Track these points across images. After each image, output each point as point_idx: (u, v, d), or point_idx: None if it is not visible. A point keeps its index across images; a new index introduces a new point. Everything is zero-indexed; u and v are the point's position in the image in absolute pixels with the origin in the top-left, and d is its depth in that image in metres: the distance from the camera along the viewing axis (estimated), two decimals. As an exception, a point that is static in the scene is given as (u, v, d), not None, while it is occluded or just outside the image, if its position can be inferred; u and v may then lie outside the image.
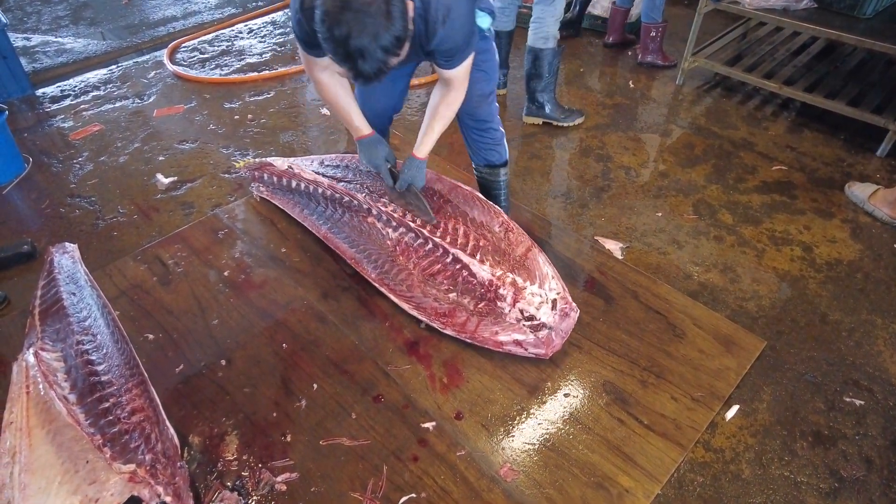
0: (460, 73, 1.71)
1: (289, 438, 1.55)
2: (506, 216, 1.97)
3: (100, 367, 1.60)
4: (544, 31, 2.70)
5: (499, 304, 1.77)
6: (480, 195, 2.05)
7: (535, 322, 1.71)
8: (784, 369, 1.80)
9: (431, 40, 1.55)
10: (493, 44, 1.88)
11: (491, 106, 1.97)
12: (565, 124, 2.96)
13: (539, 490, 1.45)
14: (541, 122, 2.98)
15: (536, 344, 1.69)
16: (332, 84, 1.78)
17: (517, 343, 1.70)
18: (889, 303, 2.03)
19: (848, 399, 1.72)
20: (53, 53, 3.80)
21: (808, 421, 1.66)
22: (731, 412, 1.67)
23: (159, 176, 2.65)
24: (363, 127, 1.87)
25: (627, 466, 1.49)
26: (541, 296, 1.75)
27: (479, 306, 1.79)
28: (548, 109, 2.94)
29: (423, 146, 1.87)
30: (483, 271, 1.82)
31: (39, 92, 3.36)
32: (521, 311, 1.73)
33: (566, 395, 1.66)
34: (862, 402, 1.71)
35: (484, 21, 1.74)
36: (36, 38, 4.01)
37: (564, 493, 1.44)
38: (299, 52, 1.75)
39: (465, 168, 2.64)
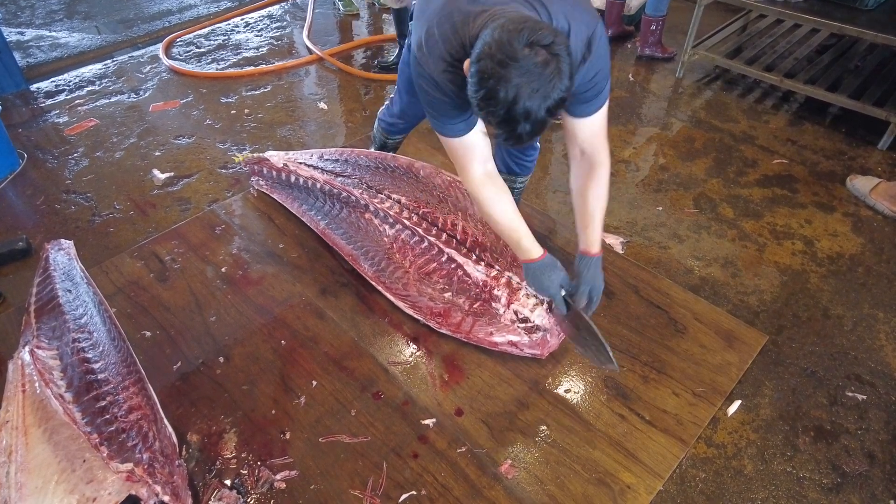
0: (601, 125, 1.46)
1: (288, 436, 1.54)
2: None
3: (96, 365, 1.58)
4: None
5: (493, 304, 1.76)
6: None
7: (530, 324, 1.70)
8: (786, 364, 1.79)
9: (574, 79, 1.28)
10: None
11: None
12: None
13: (540, 486, 1.44)
14: None
15: (531, 345, 1.68)
16: (501, 198, 1.52)
17: (512, 344, 1.69)
18: (891, 297, 2.02)
19: (850, 394, 1.71)
20: (48, 48, 3.77)
21: (810, 416, 1.65)
22: (733, 407, 1.66)
23: (156, 171, 2.63)
24: (533, 248, 1.55)
25: (629, 462, 1.48)
26: (535, 297, 1.73)
27: (474, 306, 1.77)
28: None
29: (596, 239, 1.57)
30: (477, 272, 1.80)
31: (34, 87, 3.32)
32: (516, 313, 1.72)
33: (567, 391, 1.65)
34: (864, 397, 1.70)
35: None
36: (30, 33, 3.97)
37: (566, 490, 1.43)
38: (445, 144, 1.46)
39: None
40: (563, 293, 1.59)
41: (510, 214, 1.53)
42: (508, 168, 2.01)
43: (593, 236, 1.57)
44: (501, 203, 1.52)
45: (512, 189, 2.06)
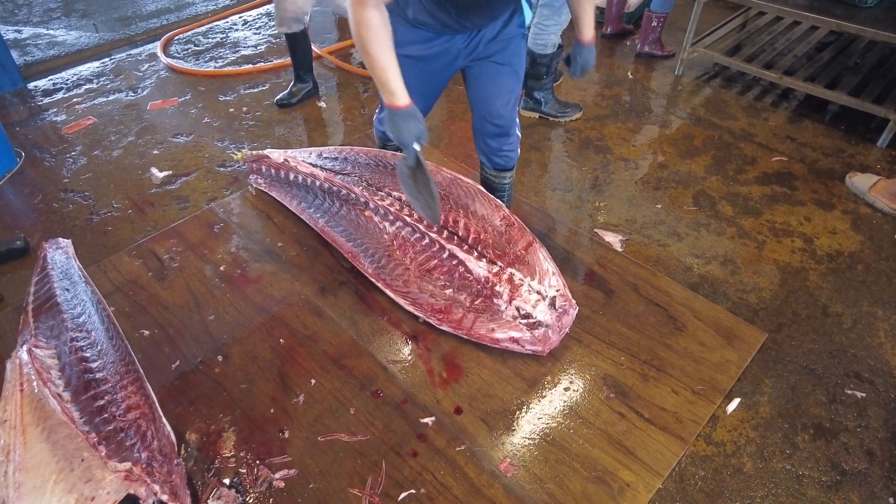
0: None
1: (287, 435, 1.54)
2: (507, 210, 1.95)
3: (94, 364, 1.58)
4: (545, 38, 2.67)
5: (495, 301, 1.75)
6: (482, 188, 2.03)
7: (532, 320, 1.70)
8: (785, 362, 1.79)
9: None
10: (525, 42, 1.82)
11: (515, 110, 1.88)
12: (563, 119, 2.94)
13: (539, 485, 1.43)
14: (537, 117, 2.97)
15: (533, 342, 1.68)
16: (382, 30, 1.48)
17: (514, 340, 1.68)
18: (890, 294, 2.02)
19: (849, 391, 1.71)
20: (45, 46, 3.76)
21: (810, 413, 1.65)
22: (733, 405, 1.66)
23: (154, 170, 2.62)
24: (400, 93, 1.56)
25: (628, 460, 1.48)
26: (538, 293, 1.73)
27: (476, 303, 1.77)
28: (545, 106, 2.93)
29: (589, 30, 1.74)
30: (479, 268, 1.80)
31: (31, 85, 3.32)
32: (518, 309, 1.72)
33: (566, 389, 1.65)
34: (863, 395, 1.70)
35: (527, 14, 1.69)
36: (27, 31, 3.96)
37: (565, 488, 1.43)
38: None
39: (464, 160, 2.62)
40: (417, 148, 1.65)
41: (387, 52, 1.52)
42: (493, 163, 2.02)
43: (587, 28, 1.72)
44: (383, 38, 1.50)
45: (502, 184, 2.06)
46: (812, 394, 1.70)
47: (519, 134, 1.98)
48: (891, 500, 1.46)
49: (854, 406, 1.67)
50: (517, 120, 1.94)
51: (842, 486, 1.49)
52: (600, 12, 3.84)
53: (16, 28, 3.98)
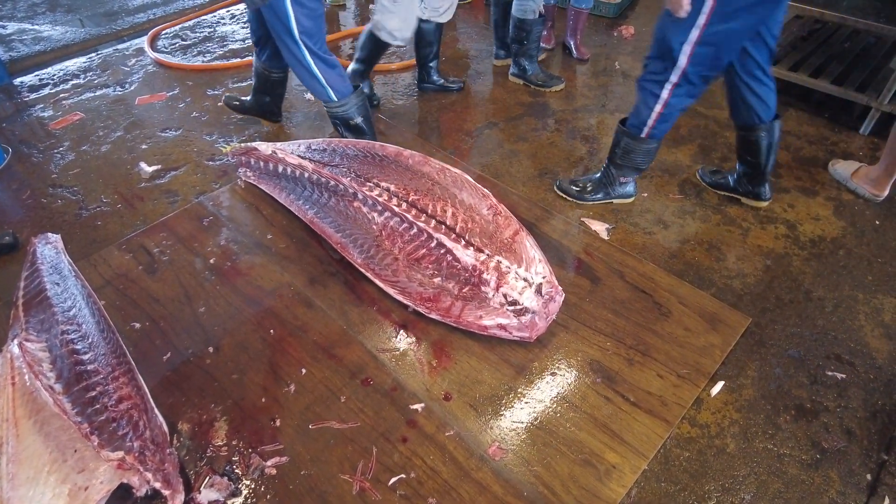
0: None
1: (278, 423, 1.56)
2: (494, 199, 1.96)
3: (85, 357, 1.59)
4: (526, 4, 2.85)
5: (483, 288, 1.78)
6: (469, 178, 2.05)
7: (519, 307, 1.72)
8: (768, 345, 1.82)
9: None
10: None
11: (290, 50, 2.11)
12: (545, 89, 3.12)
13: (527, 468, 1.46)
14: (522, 83, 3.19)
15: (520, 328, 1.70)
16: None
17: (501, 327, 1.71)
18: (871, 279, 2.06)
19: (830, 373, 1.75)
20: (30, 41, 3.73)
21: (792, 395, 1.69)
22: (717, 388, 1.70)
23: (142, 164, 2.62)
24: None
25: (614, 443, 1.51)
26: (525, 280, 1.76)
27: (464, 291, 1.79)
28: (530, 73, 3.13)
29: None
30: (467, 256, 1.82)
31: (17, 81, 3.29)
32: (505, 296, 1.74)
33: (553, 375, 1.68)
34: (843, 376, 1.74)
35: None
36: (12, 26, 3.93)
37: (552, 471, 1.46)
38: None
39: (452, 151, 2.63)
40: None
41: None
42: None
43: None
44: None
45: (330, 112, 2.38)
46: (794, 376, 1.74)
47: (308, 68, 2.17)
48: (868, 476, 1.50)
49: (835, 387, 1.71)
50: (304, 60, 2.15)
51: (822, 464, 1.53)
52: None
53: (0, 23, 3.95)
